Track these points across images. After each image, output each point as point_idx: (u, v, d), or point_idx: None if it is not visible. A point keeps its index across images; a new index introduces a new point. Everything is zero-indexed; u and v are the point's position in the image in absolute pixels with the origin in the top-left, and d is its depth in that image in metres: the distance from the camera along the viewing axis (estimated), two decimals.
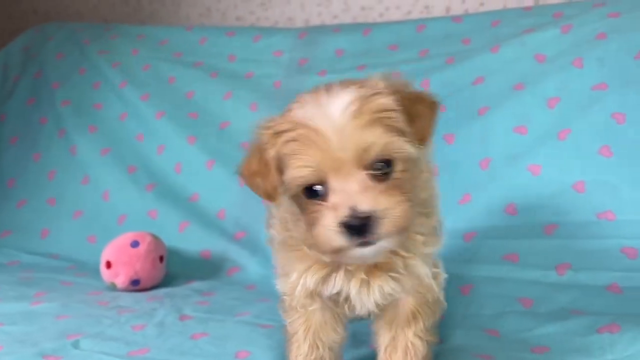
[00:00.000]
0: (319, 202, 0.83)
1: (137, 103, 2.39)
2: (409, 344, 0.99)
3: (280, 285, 1.03)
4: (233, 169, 2.34)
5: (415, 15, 2.41)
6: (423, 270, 0.94)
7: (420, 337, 0.99)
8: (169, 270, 1.96)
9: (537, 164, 1.72)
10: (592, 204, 1.59)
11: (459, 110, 1.92)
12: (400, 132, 0.83)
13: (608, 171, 1.62)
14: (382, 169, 0.83)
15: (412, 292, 0.97)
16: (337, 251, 0.83)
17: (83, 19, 3.01)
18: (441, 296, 1.02)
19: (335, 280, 0.94)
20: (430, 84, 2.00)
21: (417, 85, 0.96)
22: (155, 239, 1.87)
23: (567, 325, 1.26)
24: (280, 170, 0.86)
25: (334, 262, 0.92)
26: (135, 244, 1.81)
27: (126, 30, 2.69)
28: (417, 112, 0.86)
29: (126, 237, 1.84)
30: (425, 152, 0.92)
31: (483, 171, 1.81)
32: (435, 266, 1.00)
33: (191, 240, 2.09)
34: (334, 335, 1.03)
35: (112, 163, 2.35)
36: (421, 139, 0.86)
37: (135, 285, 1.79)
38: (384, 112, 0.83)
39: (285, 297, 1.04)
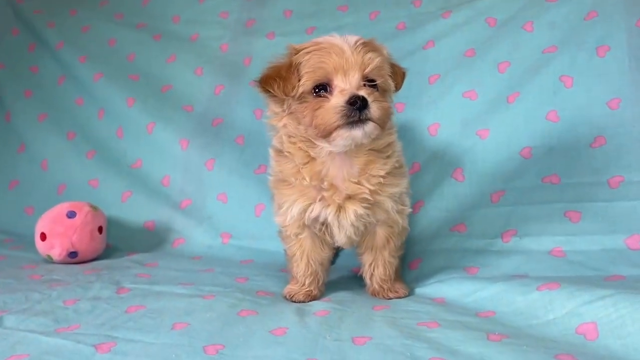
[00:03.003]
0: (325, 96, 1.17)
1: (76, 65, 2.26)
2: (387, 262, 1.36)
3: (278, 219, 1.34)
4: (175, 132, 2.21)
5: None
6: (389, 204, 1.27)
7: (393, 256, 1.37)
8: (110, 243, 1.89)
9: (486, 129, 1.71)
10: (537, 169, 1.59)
11: (410, 77, 1.86)
12: (388, 72, 1.24)
13: (554, 136, 1.61)
14: (372, 86, 1.19)
15: (383, 224, 1.32)
16: (336, 129, 1.15)
17: None
18: (406, 224, 1.36)
19: (314, 207, 1.26)
20: None
21: None
22: (94, 209, 1.79)
23: (508, 286, 1.25)
24: (298, 77, 1.18)
25: (317, 190, 1.25)
26: (71, 215, 1.72)
27: None
28: (396, 70, 1.28)
29: (62, 207, 1.75)
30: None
31: (432, 137, 1.79)
32: (402, 203, 1.32)
33: (134, 210, 2.02)
34: (322, 254, 1.36)
35: (50, 129, 2.24)
36: (396, 88, 1.28)
37: (73, 257, 1.71)
38: (381, 55, 1.22)
39: (282, 228, 1.35)
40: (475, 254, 1.49)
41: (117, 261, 1.74)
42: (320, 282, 1.39)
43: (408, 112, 1.84)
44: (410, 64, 1.90)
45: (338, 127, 1.15)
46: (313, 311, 1.24)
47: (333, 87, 1.17)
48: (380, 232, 1.34)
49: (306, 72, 1.18)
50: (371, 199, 1.25)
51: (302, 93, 1.19)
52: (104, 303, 1.29)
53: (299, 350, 1.01)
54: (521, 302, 1.18)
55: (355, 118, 1.14)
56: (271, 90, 1.21)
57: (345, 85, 1.16)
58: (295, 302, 1.34)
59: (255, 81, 1.24)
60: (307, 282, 1.36)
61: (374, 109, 1.15)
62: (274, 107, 1.27)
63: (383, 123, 1.19)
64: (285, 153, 1.27)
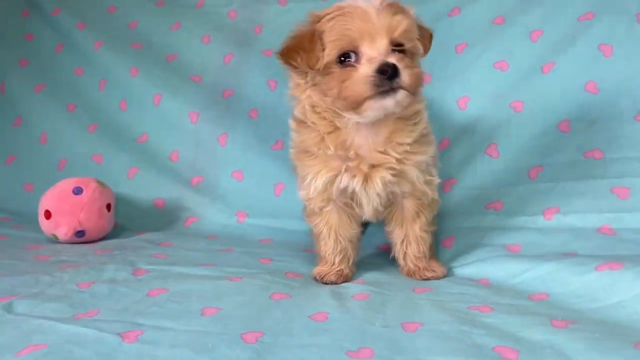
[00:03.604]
0: (352, 65, 1.09)
1: (74, 33, 2.13)
2: (419, 237, 1.28)
3: (301, 194, 1.26)
4: (183, 104, 2.07)
5: None
6: (414, 173, 1.20)
7: (425, 230, 1.29)
8: (118, 221, 1.78)
9: (520, 101, 1.61)
10: (578, 143, 1.50)
11: (435, 46, 1.76)
12: (416, 35, 1.15)
13: (594, 109, 1.52)
14: (400, 51, 1.10)
15: (410, 196, 1.25)
16: (366, 100, 1.08)
17: None
18: (436, 196, 1.29)
19: (341, 178, 1.18)
20: None
21: None
22: (101, 185, 1.67)
23: (561, 266, 1.16)
24: (322, 47, 1.10)
25: (342, 161, 1.18)
26: (78, 191, 1.61)
27: None
28: (423, 32, 1.19)
29: (67, 184, 1.63)
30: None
31: (461, 111, 1.69)
32: (429, 174, 1.25)
33: (142, 187, 1.91)
34: (351, 230, 1.29)
35: (48, 101, 2.11)
36: (424, 51, 1.19)
37: (80, 236, 1.60)
38: (408, 17, 1.13)
39: (306, 203, 1.27)
40: (515, 232, 1.40)
41: (128, 241, 1.63)
42: (351, 260, 1.31)
43: (435, 84, 1.72)
44: (435, 32, 1.80)
45: (368, 98, 1.08)
46: (351, 294, 1.15)
47: (360, 54, 1.09)
48: (409, 205, 1.27)
49: (330, 41, 1.10)
50: (397, 167, 1.18)
51: (327, 63, 1.10)
52: (122, 286, 1.18)
53: (348, 338, 0.92)
54: (578, 283, 1.10)
55: (387, 87, 1.07)
56: (294, 64, 1.13)
57: (373, 53, 1.08)
58: (326, 283, 1.25)
59: (277, 53, 1.16)
60: (337, 261, 1.28)
61: (405, 77, 1.07)
62: (297, 79, 1.18)
63: (415, 90, 1.11)
64: (309, 123, 1.19)
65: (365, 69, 1.07)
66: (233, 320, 1.00)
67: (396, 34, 1.09)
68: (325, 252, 1.28)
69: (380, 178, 1.18)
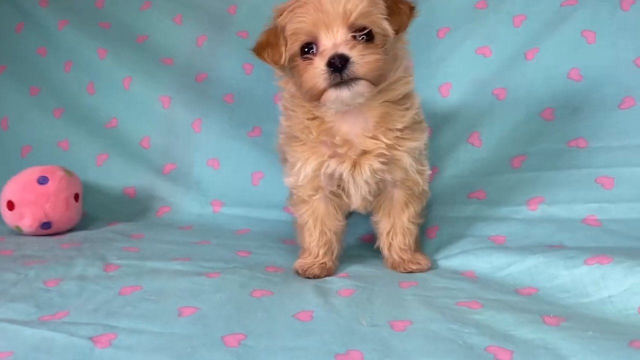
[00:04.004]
0: (310, 58, 1.06)
1: (36, 11, 2.02)
2: (405, 229, 1.25)
3: (289, 181, 1.23)
4: (155, 88, 1.97)
5: None
6: (407, 161, 1.16)
7: (412, 222, 1.26)
8: (86, 211, 1.70)
9: (503, 88, 1.58)
10: (562, 132, 1.47)
11: (416, 31, 1.71)
12: (381, 15, 1.06)
13: (578, 97, 1.50)
14: (364, 36, 1.05)
15: (401, 186, 1.22)
16: (322, 92, 1.06)
17: None
18: (426, 187, 1.25)
19: (329, 163, 1.16)
20: None
21: None
22: (68, 174, 1.60)
23: (548, 259, 1.14)
24: (286, 41, 1.09)
25: (328, 147, 1.15)
26: (43, 180, 1.53)
27: None
28: (397, 8, 1.09)
29: (32, 172, 1.55)
30: (402, 47, 1.16)
31: (443, 99, 1.66)
32: (421, 164, 1.22)
33: (112, 175, 1.84)
34: (337, 222, 1.26)
35: (9, 84, 2.01)
36: (397, 30, 1.09)
37: (46, 228, 1.53)
38: None
39: (293, 191, 1.24)
40: (499, 222, 1.37)
41: (97, 232, 1.56)
42: (335, 254, 1.27)
43: (416, 71, 1.66)
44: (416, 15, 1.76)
45: (324, 90, 1.06)
46: (335, 290, 1.11)
47: (319, 45, 1.06)
48: (399, 195, 1.24)
49: (290, 35, 1.08)
50: (388, 154, 1.15)
51: (291, 56, 1.10)
52: (93, 283, 1.12)
53: (336, 340, 0.88)
54: (566, 277, 1.07)
55: (338, 80, 1.04)
56: (264, 60, 1.13)
57: (328, 43, 1.05)
58: (309, 277, 1.20)
59: (250, 50, 1.15)
60: (321, 253, 1.24)
61: (359, 65, 1.03)
62: (277, 72, 1.17)
63: (376, 78, 1.07)
64: (289, 112, 1.18)
65: (317, 63, 1.05)
66: (213, 321, 0.94)
67: (353, 19, 1.04)
68: (310, 243, 1.25)
69: (368, 166, 1.15)
